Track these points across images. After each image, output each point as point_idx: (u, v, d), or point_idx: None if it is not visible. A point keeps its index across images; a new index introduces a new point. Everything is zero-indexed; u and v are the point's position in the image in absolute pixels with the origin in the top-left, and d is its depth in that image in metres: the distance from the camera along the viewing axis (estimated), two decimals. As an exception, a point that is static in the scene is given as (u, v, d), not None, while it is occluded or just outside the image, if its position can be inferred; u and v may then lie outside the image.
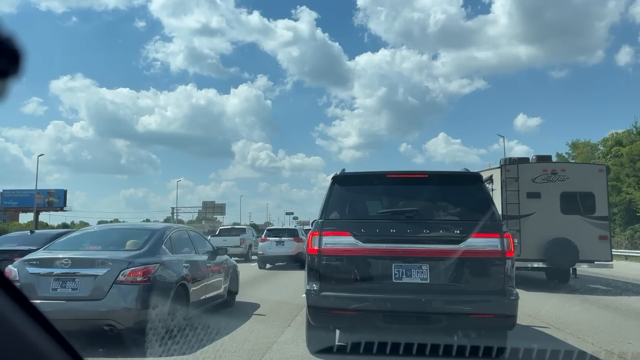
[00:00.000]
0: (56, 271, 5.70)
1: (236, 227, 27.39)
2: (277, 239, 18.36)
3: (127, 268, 5.68)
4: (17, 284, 5.26)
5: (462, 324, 4.80)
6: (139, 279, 5.68)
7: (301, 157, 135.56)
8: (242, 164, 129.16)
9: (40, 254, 6.17)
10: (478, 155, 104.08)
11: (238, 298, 9.14)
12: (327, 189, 5.31)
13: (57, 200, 59.44)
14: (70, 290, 5.61)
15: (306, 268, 5.07)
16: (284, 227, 23.11)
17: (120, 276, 5.61)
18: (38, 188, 53.52)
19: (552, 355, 4.94)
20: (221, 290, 8.13)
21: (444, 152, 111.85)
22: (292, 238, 18.44)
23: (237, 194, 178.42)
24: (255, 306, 8.77)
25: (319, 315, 4.88)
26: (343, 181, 5.32)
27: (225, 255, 8.82)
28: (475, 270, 4.74)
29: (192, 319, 6.61)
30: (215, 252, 8.15)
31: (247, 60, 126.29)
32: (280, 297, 9.90)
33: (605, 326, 7.23)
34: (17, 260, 6.07)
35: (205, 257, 7.66)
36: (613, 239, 37.02)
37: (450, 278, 4.72)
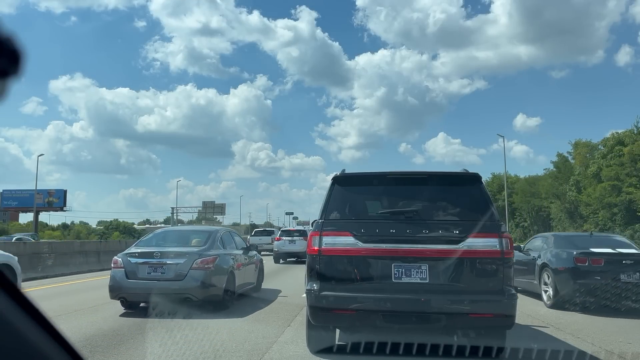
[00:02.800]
0: (150, 261, 8.00)
1: (267, 229, 33.50)
2: (289, 238, 21.53)
3: (198, 258, 7.97)
4: (122, 269, 8.00)
5: (461, 324, 4.81)
6: (206, 266, 7.96)
7: (301, 157, 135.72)
8: (241, 164, 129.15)
9: (135, 249, 8.47)
10: (478, 155, 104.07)
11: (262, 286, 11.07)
12: (327, 189, 5.33)
13: (57, 200, 59.49)
14: (160, 274, 7.92)
15: (307, 268, 5.09)
16: (296, 228, 27.07)
17: (194, 264, 7.89)
18: (38, 188, 53.55)
19: (552, 355, 4.94)
20: (252, 278, 10.33)
21: (443, 152, 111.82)
22: (302, 237, 20.96)
23: (237, 194, 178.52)
24: (276, 292, 10.74)
25: (319, 314, 4.90)
26: (343, 182, 5.34)
27: (255, 251, 10.92)
28: (474, 270, 4.76)
29: (191, 319, 6.68)
30: (248, 248, 10.50)
31: (247, 60, 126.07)
32: (281, 296, 10.13)
33: (605, 326, 7.23)
34: (121, 253, 8.44)
35: (241, 252, 9.79)
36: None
37: (449, 278, 4.75)
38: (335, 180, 5.32)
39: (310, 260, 4.96)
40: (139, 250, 8.34)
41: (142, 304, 8.18)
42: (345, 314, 4.80)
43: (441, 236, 4.77)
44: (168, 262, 7.94)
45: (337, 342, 5.43)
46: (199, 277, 7.83)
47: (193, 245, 8.57)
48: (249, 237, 27.87)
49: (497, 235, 4.74)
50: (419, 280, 4.69)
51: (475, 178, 5.26)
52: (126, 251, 8.49)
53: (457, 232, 4.76)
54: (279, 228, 36.32)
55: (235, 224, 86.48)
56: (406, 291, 4.68)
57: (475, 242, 4.69)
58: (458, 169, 5.68)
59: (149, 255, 8.09)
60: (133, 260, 8.08)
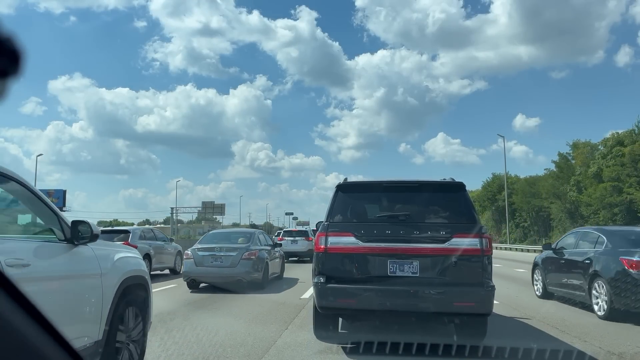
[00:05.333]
0: (212, 253, 11.16)
1: (286, 229, 37.17)
2: (291, 238, 22.17)
3: (246, 252, 11.13)
4: (192, 259, 11.16)
5: (447, 311, 5.38)
6: (251, 257, 11.13)
7: (300, 157, 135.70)
8: (241, 164, 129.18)
9: (200, 245, 11.74)
10: (477, 156, 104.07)
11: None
12: (332, 195, 5.99)
13: (56, 200, 59.32)
14: (219, 262, 11.08)
15: (314, 263, 5.69)
16: (297, 229, 28.45)
17: (243, 256, 11.03)
18: (37, 188, 53.36)
19: (552, 355, 4.96)
20: (278, 269, 13.38)
21: (443, 152, 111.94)
22: (304, 238, 21.95)
23: (237, 194, 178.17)
24: (295, 280, 13.49)
25: (326, 303, 5.46)
26: (346, 189, 6.05)
27: (278, 248, 13.95)
28: (458, 266, 5.35)
29: (191, 320, 6.69)
30: (274, 245, 13.61)
31: (247, 60, 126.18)
32: (301, 282, 10.45)
33: (606, 326, 7.23)
34: (190, 248, 11.74)
35: (270, 248, 12.70)
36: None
37: (437, 272, 5.38)
38: (339, 187, 6.02)
39: (317, 257, 5.60)
40: (203, 246, 11.60)
41: (202, 285, 11.41)
42: (348, 302, 5.41)
43: (430, 236, 5.41)
44: (224, 254, 11.09)
45: (338, 343, 5.62)
46: (247, 265, 10.98)
47: (240, 243, 11.80)
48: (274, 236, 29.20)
49: (478, 235, 5.37)
50: (410, 274, 5.35)
51: (459, 186, 5.93)
52: (194, 247, 11.72)
53: (444, 232, 5.39)
54: (280, 228, 37.08)
55: (235, 224, 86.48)
56: (400, 283, 5.32)
57: (459, 242, 5.33)
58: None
59: (211, 249, 11.26)
60: (200, 253, 11.21)
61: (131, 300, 4.06)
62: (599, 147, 45.67)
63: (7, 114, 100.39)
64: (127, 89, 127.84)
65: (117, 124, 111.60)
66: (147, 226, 16.90)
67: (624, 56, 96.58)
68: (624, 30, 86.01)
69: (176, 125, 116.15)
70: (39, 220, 3.65)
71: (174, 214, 74.25)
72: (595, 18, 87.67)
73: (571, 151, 50.21)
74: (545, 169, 55.51)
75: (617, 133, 43.45)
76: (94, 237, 3.64)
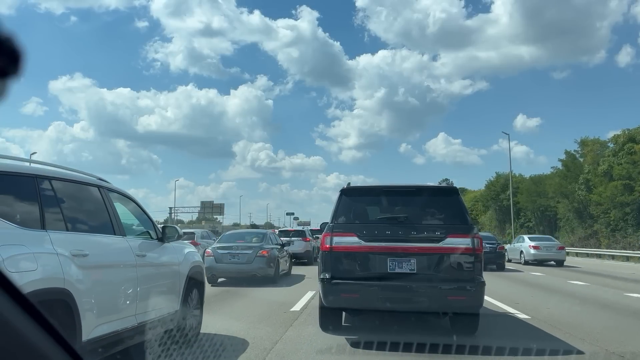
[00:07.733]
0: (230, 251, 12.55)
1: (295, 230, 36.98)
2: (287, 239, 20.84)
3: (260, 249, 12.52)
4: (213, 257, 12.49)
5: (441, 304, 5.87)
6: (265, 255, 12.45)
7: (301, 157, 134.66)
8: (242, 165, 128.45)
9: (219, 244, 13.20)
10: (479, 156, 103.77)
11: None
12: (336, 199, 6.47)
13: (56, 200, 59.27)
14: (237, 259, 12.43)
15: (320, 261, 6.20)
16: (295, 228, 28.38)
17: (257, 254, 12.39)
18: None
19: (552, 355, 4.97)
20: (286, 266, 14.53)
21: (443, 153, 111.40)
22: (301, 238, 21.11)
23: (237, 194, 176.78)
24: (302, 276, 14.34)
25: (331, 297, 5.95)
26: (349, 193, 6.50)
27: (286, 247, 15.37)
28: (451, 263, 5.82)
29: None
30: (283, 245, 14.98)
31: (248, 60, 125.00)
32: (308, 278, 10.39)
33: (605, 326, 7.24)
34: (210, 247, 13.49)
35: (279, 247, 14.02)
36: (625, 239, 36.03)
37: (432, 269, 5.85)
38: (343, 191, 6.48)
39: (323, 255, 6.10)
40: (222, 245, 13.07)
41: (220, 279, 12.68)
42: (351, 297, 5.89)
43: (426, 236, 5.87)
44: (241, 252, 12.50)
45: (343, 331, 6.23)
46: (261, 262, 12.34)
47: (254, 242, 13.17)
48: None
49: (469, 235, 5.84)
50: (408, 271, 5.80)
51: (453, 190, 6.50)
52: (213, 245, 13.37)
53: (439, 233, 5.86)
54: (278, 228, 36.70)
55: (235, 224, 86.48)
56: (398, 279, 5.79)
57: (453, 241, 5.78)
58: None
59: (229, 248, 12.71)
60: (219, 251, 12.63)
61: (193, 283, 5.54)
62: (609, 144, 44.04)
63: (8, 114, 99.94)
64: (128, 89, 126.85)
65: (118, 124, 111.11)
66: (204, 229, 23.16)
67: (625, 56, 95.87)
68: (626, 30, 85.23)
69: (177, 126, 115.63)
70: (140, 225, 5.05)
71: (173, 214, 74.23)
72: (597, 18, 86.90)
73: (579, 149, 48.51)
74: (552, 167, 53.87)
75: (628, 130, 41.65)
76: (179, 237, 5.30)
